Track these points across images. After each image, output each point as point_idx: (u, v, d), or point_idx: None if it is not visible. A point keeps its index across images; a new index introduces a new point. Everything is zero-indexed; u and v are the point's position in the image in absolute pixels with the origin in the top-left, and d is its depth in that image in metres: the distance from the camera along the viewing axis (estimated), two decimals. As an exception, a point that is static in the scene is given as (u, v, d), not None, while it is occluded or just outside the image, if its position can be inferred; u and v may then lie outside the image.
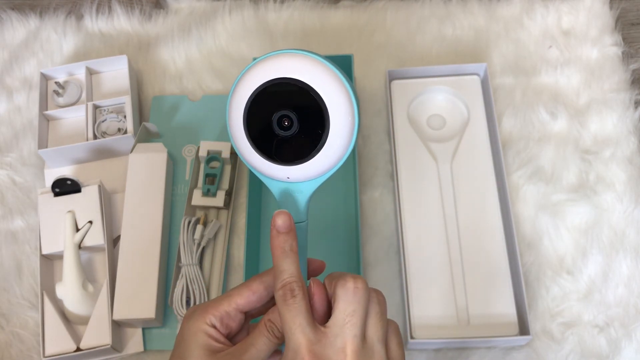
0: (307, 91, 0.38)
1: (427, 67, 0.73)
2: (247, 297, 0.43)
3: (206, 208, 0.68)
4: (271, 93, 0.38)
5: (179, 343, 0.42)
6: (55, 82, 0.74)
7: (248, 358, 0.40)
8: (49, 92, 0.75)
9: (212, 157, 0.69)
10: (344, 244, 0.67)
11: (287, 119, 0.38)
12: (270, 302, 0.44)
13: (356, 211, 0.66)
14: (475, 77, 0.73)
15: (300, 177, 0.41)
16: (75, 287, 0.63)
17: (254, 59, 0.40)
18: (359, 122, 0.40)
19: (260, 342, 0.41)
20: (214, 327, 0.42)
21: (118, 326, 0.63)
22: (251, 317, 0.45)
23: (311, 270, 0.45)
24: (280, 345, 0.42)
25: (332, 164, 0.40)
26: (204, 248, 0.66)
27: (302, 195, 0.42)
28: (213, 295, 0.65)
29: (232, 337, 0.44)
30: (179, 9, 0.83)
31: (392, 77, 0.73)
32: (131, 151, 0.69)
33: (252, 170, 0.42)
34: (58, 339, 0.62)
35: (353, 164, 0.68)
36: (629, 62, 0.75)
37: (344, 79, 0.38)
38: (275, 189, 0.42)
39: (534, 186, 0.69)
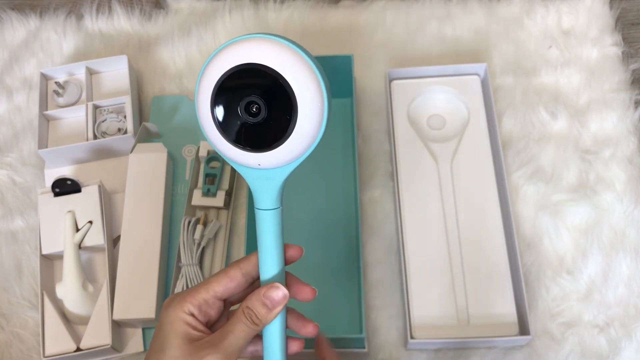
0: (273, 76, 0.37)
1: (427, 67, 0.73)
2: (224, 285, 0.43)
3: (206, 208, 0.68)
4: (238, 79, 0.38)
5: (158, 332, 0.42)
6: (55, 82, 0.74)
7: (227, 345, 0.41)
8: (49, 92, 0.75)
9: (212, 157, 0.69)
10: (344, 244, 0.67)
11: (255, 105, 0.38)
12: (248, 289, 0.45)
13: (356, 211, 0.66)
14: (475, 77, 0.73)
15: (271, 164, 0.40)
16: (75, 287, 0.63)
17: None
18: (328, 107, 0.39)
19: (238, 329, 0.41)
20: (192, 315, 0.42)
21: (118, 326, 0.63)
22: (230, 305, 0.46)
23: (288, 257, 0.45)
24: (259, 331, 0.43)
25: (302, 150, 0.40)
26: (204, 248, 0.66)
27: (275, 182, 0.41)
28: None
29: (211, 325, 0.44)
30: (179, 9, 0.83)
31: (392, 77, 0.73)
32: (131, 151, 0.69)
33: (224, 157, 0.41)
34: (58, 339, 0.62)
35: (353, 164, 0.68)
36: (629, 62, 0.75)
37: (312, 63, 0.38)
38: (247, 176, 0.42)
39: (534, 186, 0.69)
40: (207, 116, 0.39)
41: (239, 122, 0.39)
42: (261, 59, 0.37)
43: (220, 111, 0.39)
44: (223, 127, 0.39)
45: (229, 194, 0.68)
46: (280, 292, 0.42)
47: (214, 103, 0.39)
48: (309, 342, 0.59)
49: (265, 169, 0.41)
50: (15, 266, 0.68)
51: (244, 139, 0.39)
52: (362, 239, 0.67)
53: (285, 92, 0.37)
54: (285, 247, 0.44)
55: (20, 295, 0.67)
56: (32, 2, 0.85)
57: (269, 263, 0.43)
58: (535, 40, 0.78)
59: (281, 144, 0.39)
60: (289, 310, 0.46)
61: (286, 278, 0.45)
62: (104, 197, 0.67)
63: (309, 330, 0.46)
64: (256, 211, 0.43)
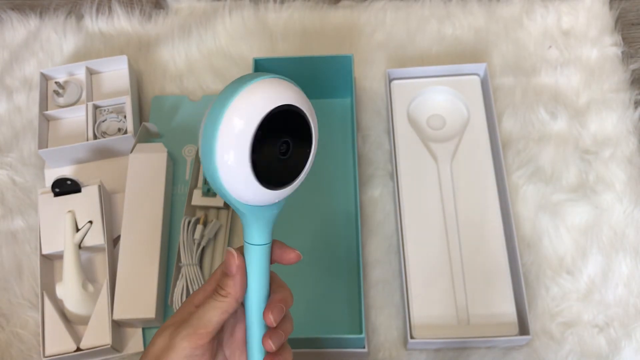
0: (297, 115, 0.38)
1: (427, 67, 0.73)
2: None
3: (206, 208, 0.68)
4: (271, 123, 0.37)
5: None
6: (56, 82, 0.74)
7: (197, 320, 0.41)
8: (49, 92, 0.75)
9: (212, 157, 0.69)
10: (344, 243, 0.67)
11: (285, 144, 0.38)
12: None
13: (356, 211, 0.66)
14: (475, 77, 0.73)
15: (282, 197, 0.40)
16: (75, 287, 0.63)
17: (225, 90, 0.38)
18: (316, 138, 0.40)
19: (208, 304, 0.42)
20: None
21: (118, 326, 0.63)
22: None
23: (286, 260, 0.44)
24: (233, 305, 0.42)
25: (301, 181, 0.41)
26: (204, 248, 0.66)
27: (273, 215, 0.42)
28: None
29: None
30: (179, 9, 0.83)
31: (392, 77, 0.73)
32: (131, 151, 0.69)
33: (235, 202, 0.39)
34: (58, 339, 0.62)
35: (353, 164, 0.68)
36: (628, 62, 0.75)
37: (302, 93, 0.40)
38: (252, 213, 0.41)
39: (534, 186, 0.69)
40: (242, 165, 0.37)
41: (273, 164, 0.38)
42: (287, 100, 0.37)
43: (257, 157, 0.37)
44: (258, 171, 0.37)
45: (229, 194, 0.68)
46: (233, 260, 0.42)
47: (252, 151, 0.36)
48: (305, 342, 0.59)
49: (269, 205, 0.41)
50: (16, 266, 0.68)
51: (274, 179, 0.39)
52: (362, 239, 0.67)
53: (308, 129, 0.39)
54: (283, 249, 0.44)
55: (20, 295, 0.67)
56: (32, 2, 0.85)
57: (254, 296, 0.43)
58: (535, 40, 0.78)
59: (297, 177, 0.40)
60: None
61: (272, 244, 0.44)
62: (104, 197, 0.67)
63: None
64: (247, 246, 0.43)
